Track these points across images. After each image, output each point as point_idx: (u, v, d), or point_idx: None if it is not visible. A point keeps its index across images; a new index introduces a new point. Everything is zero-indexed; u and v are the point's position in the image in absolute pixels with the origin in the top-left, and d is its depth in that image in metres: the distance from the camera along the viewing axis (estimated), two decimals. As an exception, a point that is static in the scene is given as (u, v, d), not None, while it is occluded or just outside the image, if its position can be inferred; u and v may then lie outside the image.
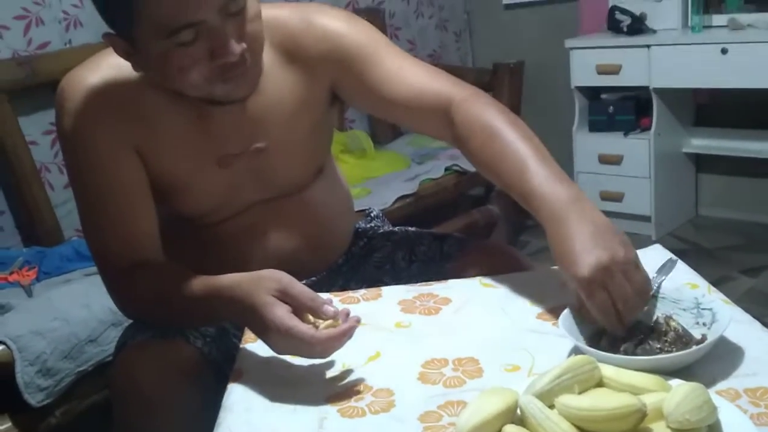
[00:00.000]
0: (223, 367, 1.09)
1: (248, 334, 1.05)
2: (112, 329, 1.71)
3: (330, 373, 0.94)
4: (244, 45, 1.01)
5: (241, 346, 1.04)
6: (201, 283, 1.03)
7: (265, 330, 0.93)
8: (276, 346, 0.94)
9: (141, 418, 1.05)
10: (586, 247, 0.91)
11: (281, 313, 0.91)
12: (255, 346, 1.03)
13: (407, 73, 1.17)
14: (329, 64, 1.18)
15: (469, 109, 1.12)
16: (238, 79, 1.04)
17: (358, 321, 0.92)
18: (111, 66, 1.10)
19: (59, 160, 2.45)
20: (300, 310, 0.93)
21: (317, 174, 1.28)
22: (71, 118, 1.09)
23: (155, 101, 1.11)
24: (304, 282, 1.01)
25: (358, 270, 1.37)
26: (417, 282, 1.22)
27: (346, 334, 0.91)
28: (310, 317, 0.93)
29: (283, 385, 0.92)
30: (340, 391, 0.90)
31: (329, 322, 0.92)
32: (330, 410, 0.86)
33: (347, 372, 0.94)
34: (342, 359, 0.97)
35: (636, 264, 0.92)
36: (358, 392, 0.89)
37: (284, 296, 0.93)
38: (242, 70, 1.03)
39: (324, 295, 0.95)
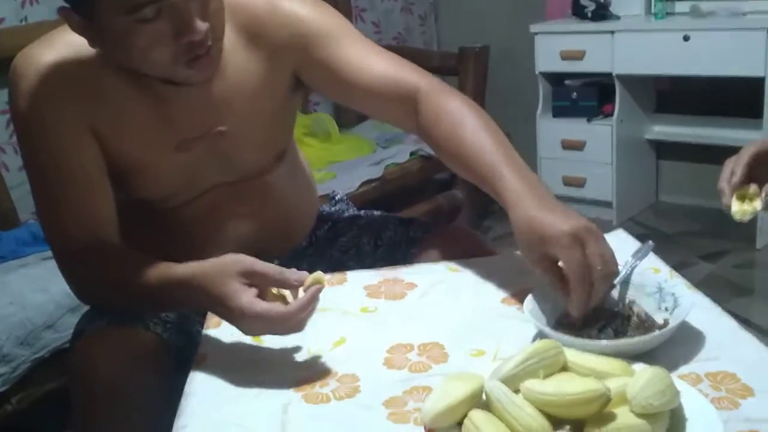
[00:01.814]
0: (185, 352, 1.08)
1: (211, 320, 1.04)
2: (69, 315, 1.68)
3: (294, 359, 0.93)
4: (207, 24, 0.99)
5: (203, 332, 1.03)
6: (162, 271, 1.01)
7: (236, 318, 0.92)
8: (250, 330, 0.93)
9: (100, 406, 1.04)
10: (560, 216, 0.93)
11: (248, 299, 0.90)
12: (218, 332, 1.01)
13: (373, 61, 1.16)
14: (293, 49, 1.16)
15: (435, 99, 1.13)
16: (201, 60, 1.01)
17: (321, 285, 0.91)
18: (67, 44, 1.07)
19: (14, 140, 2.38)
20: (267, 286, 0.92)
21: (279, 158, 1.27)
22: (25, 97, 1.06)
23: (113, 82, 1.08)
24: (276, 262, 1.01)
25: (323, 254, 1.36)
26: (382, 266, 1.22)
27: (312, 300, 0.90)
28: (274, 290, 0.92)
29: (246, 371, 0.91)
30: (304, 376, 0.89)
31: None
32: (294, 396, 0.85)
33: (312, 357, 0.93)
34: (307, 345, 0.96)
35: (605, 241, 0.93)
36: (323, 378, 0.88)
37: (250, 276, 0.92)
38: (206, 50, 1.01)
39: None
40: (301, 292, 0.91)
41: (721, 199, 0.96)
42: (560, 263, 0.92)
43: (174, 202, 1.18)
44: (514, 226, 0.97)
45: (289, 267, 1.21)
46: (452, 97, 1.14)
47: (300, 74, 1.20)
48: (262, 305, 0.90)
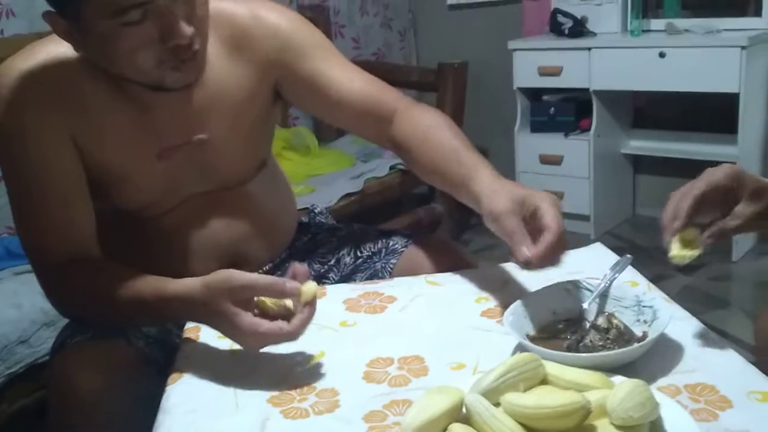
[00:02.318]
0: (166, 367, 1.06)
1: (187, 336, 1.03)
2: (44, 330, 1.65)
3: (273, 374, 0.92)
4: (193, 28, 0.99)
5: (180, 346, 1.01)
6: (149, 285, 1.01)
7: (236, 336, 0.94)
8: (249, 348, 0.94)
9: (78, 421, 1.02)
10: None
11: (249, 321, 0.91)
12: (194, 347, 1.00)
13: (354, 79, 1.20)
14: (277, 62, 1.17)
15: (410, 113, 1.19)
16: (188, 63, 1.01)
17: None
18: (48, 54, 1.06)
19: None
20: (260, 296, 0.93)
21: (259, 168, 1.26)
22: (4, 106, 1.04)
23: (94, 90, 1.07)
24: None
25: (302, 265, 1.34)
26: (362, 277, 1.21)
27: (313, 313, 0.92)
28: (269, 302, 0.93)
29: (224, 387, 0.90)
30: (283, 391, 0.88)
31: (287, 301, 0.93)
32: (273, 411, 0.84)
33: (291, 372, 0.92)
34: (286, 359, 0.95)
35: None
36: (302, 393, 0.88)
37: (240, 294, 0.92)
38: (192, 54, 1.01)
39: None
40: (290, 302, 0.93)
41: (663, 236, 0.94)
42: (539, 218, 0.97)
43: (154, 211, 1.17)
44: (487, 200, 1.04)
45: None
46: (426, 110, 1.21)
47: (281, 87, 1.21)
48: (264, 326, 0.91)
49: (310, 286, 0.92)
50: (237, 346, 0.97)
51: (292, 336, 0.92)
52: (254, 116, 1.20)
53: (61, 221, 1.08)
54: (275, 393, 0.88)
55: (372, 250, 1.32)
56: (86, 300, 1.07)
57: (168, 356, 1.10)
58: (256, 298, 0.93)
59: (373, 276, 1.26)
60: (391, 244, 1.31)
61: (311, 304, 0.92)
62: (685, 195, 0.94)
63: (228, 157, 1.19)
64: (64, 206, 1.08)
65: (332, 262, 1.33)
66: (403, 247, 1.30)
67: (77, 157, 1.09)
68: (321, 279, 1.30)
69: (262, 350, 0.94)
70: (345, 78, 1.19)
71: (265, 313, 0.93)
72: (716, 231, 0.91)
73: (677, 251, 0.91)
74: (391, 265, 1.27)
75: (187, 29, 0.98)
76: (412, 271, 1.22)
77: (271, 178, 1.31)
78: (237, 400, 0.87)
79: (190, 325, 1.06)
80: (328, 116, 1.26)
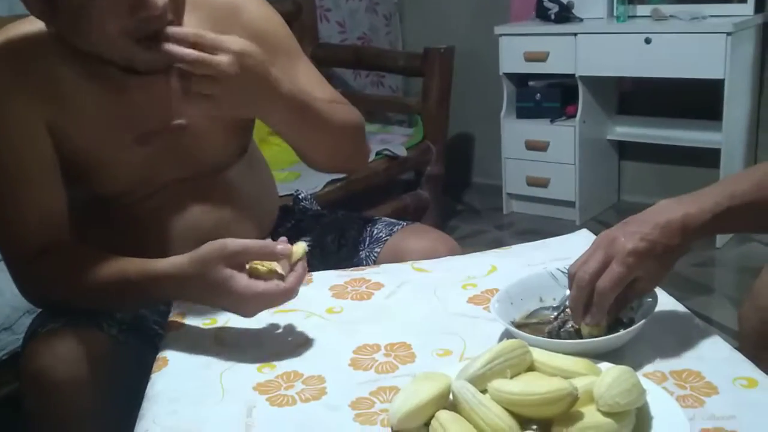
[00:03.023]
0: (142, 353, 1.05)
1: (172, 323, 1.02)
2: (27, 317, 1.63)
3: (259, 361, 0.92)
4: (166, 0, 0.97)
5: (164, 334, 1.01)
6: (134, 266, 1.01)
7: (235, 302, 0.94)
8: (252, 311, 0.95)
9: (54, 409, 1.01)
10: None
11: (245, 283, 0.92)
12: (179, 334, 0.99)
13: (320, 89, 1.22)
14: None
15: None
16: (159, 43, 0.98)
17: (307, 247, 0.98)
18: (21, 38, 1.04)
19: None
20: (252, 260, 0.95)
21: (239, 155, 1.25)
22: None
23: (69, 74, 1.06)
24: None
25: None
26: (347, 266, 1.21)
27: (305, 269, 0.96)
28: (259, 265, 0.94)
29: (209, 374, 0.90)
30: (269, 378, 0.88)
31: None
32: (259, 399, 0.84)
33: (277, 359, 0.92)
34: (272, 346, 0.94)
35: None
36: (288, 380, 0.87)
37: (234, 258, 0.94)
38: (163, 26, 0.98)
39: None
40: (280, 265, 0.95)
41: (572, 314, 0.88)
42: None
43: (131, 197, 1.16)
44: None
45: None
46: None
47: None
48: (260, 286, 0.92)
49: (299, 245, 0.97)
50: (223, 333, 0.97)
51: (289, 293, 0.94)
52: None
53: (33, 210, 1.07)
54: (261, 380, 0.87)
55: (356, 238, 1.31)
56: (67, 286, 1.05)
57: (144, 343, 1.09)
58: (247, 266, 0.94)
59: (357, 265, 1.25)
60: (375, 232, 1.31)
61: (305, 266, 0.96)
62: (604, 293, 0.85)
63: (208, 144, 1.18)
64: (38, 194, 1.07)
65: (316, 250, 1.32)
66: (387, 236, 1.29)
67: (50, 143, 1.07)
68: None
69: (243, 340, 0.93)
70: (312, 87, 1.19)
71: (258, 278, 0.94)
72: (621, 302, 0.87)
73: (587, 330, 0.88)
74: (375, 254, 1.27)
75: (159, 0, 0.96)
76: (396, 260, 1.21)
77: (250, 164, 1.30)
78: (223, 388, 0.86)
79: (174, 312, 1.05)
80: None
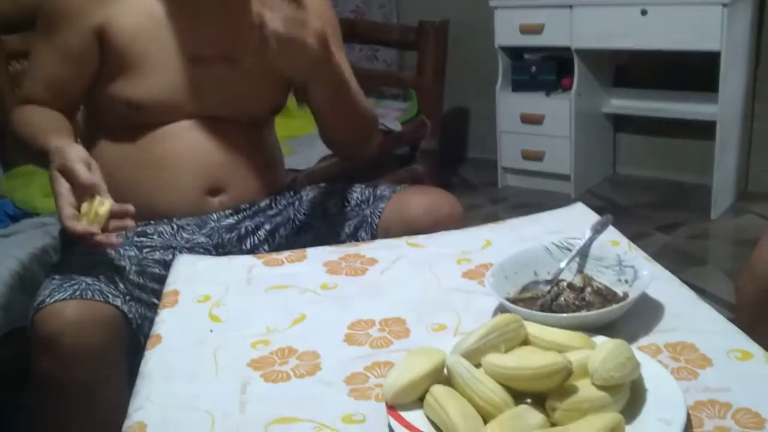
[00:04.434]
0: (147, 325, 1.07)
1: (166, 299, 1.02)
2: (20, 295, 1.62)
3: (253, 337, 0.91)
4: None
5: (159, 310, 1.00)
6: (45, 130, 1.17)
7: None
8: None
9: (66, 378, 1.03)
10: None
11: (58, 185, 1.06)
12: (173, 311, 0.99)
13: (351, 73, 1.30)
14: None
15: None
16: None
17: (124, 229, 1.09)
18: None
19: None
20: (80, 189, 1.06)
21: (271, 113, 1.35)
22: None
23: None
24: (228, 211, 1.28)
25: (287, 215, 1.35)
26: (350, 225, 1.22)
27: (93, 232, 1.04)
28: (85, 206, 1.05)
29: (203, 351, 0.89)
30: (263, 354, 0.87)
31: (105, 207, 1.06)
32: (253, 375, 0.83)
33: (271, 335, 0.92)
34: (266, 322, 0.94)
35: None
36: (283, 356, 0.87)
37: (66, 170, 1.05)
38: None
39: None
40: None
41: None
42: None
43: (153, 117, 1.24)
44: None
45: (250, 224, 1.31)
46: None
47: None
48: (62, 201, 1.05)
49: (105, 202, 1.06)
50: (217, 309, 0.97)
51: (68, 226, 1.03)
52: None
53: (47, 73, 1.26)
54: (255, 356, 0.87)
55: (359, 199, 1.32)
56: (18, 121, 1.24)
57: (148, 313, 1.12)
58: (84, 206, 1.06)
59: (363, 222, 1.27)
60: (378, 192, 1.33)
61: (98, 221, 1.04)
62: None
63: (253, 87, 1.27)
64: (56, 66, 1.25)
65: (317, 211, 1.32)
66: (391, 193, 1.30)
67: (96, 47, 1.22)
68: (306, 228, 1.32)
69: (239, 315, 0.92)
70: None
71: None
72: None
73: None
74: (380, 210, 1.28)
75: None
76: (401, 215, 1.25)
77: (271, 129, 1.39)
78: (217, 364, 0.86)
79: (167, 289, 1.05)
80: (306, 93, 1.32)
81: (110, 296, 1.08)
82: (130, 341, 1.09)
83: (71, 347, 1.02)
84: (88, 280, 1.09)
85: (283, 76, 1.30)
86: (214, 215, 1.28)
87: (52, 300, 1.06)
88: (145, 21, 1.22)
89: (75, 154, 1.07)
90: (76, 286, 1.07)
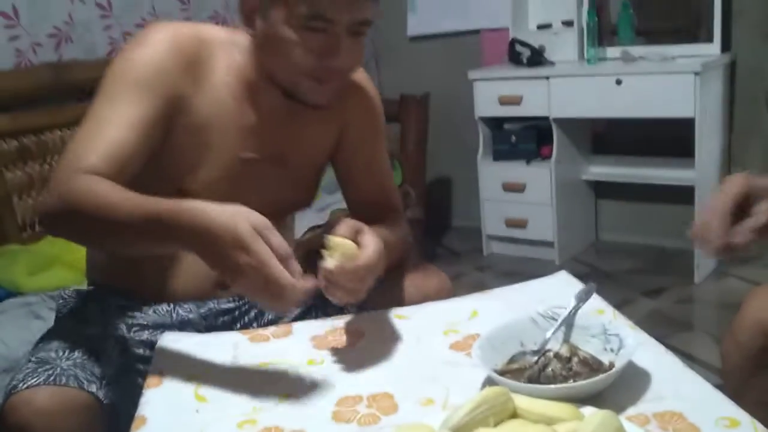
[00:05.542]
0: (123, 410, 1.04)
1: (151, 380, 1.00)
2: (4, 376, 1.60)
3: (240, 417, 0.90)
4: (349, 66, 1.13)
5: (143, 391, 0.99)
6: (162, 203, 0.95)
7: (239, 264, 0.88)
8: (243, 282, 0.89)
9: None
10: None
11: (265, 249, 0.87)
12: (158, 391, 0.98)
13: (389, 169, 1.37)
14: (358, 128, 1.30)
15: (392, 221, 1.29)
16: (332, 84, 1.13)
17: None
18: (197, 29, 1.18)
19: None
20: None
21: (304, 205, 1.37)
22: (140, 41, 1.14)
23: (223, 68, 1.17)
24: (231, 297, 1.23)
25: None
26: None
27: (315, 289, 0.94)
28: None
29: None
30: (250, 434, 0.86)
31: None
32: (240, 455, 0.82)
33: (258, 414, 0.91)
34: (253, 401, 0.93)
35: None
36: (270, 435, 0.86)
37: (261, 233, 0.89)
38: (335, 83, 1.13)
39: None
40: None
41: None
42: None
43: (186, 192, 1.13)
44: None
45: (246, 306, 1.28)
46: (400, 224, 1.32)
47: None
48: (276, 261, 0.87)
49: (346, 246, 1.00)
50: (203, 388, 0.96)
51: (289, 292, 0.87)
52: (320, 164, 1.33)
53: (110, 140, 1.08)
54: (242, 436, 0.86)
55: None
56: (96, 205, 1.00)
57: (126, 398, 1.07)
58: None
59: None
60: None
61: (317, 285, 0.94)
62: (716, 213, 0.98)
63: (297, 185, 1.29)
64: (123, 132, 1.08)
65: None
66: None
67: (164, 121, 1.12)
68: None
69: (224, 394, 0.91)
70: (387, 172, 1.36)
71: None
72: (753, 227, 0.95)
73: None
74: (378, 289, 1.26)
75: (345, 59, 1.11)
76: (405, 299, 1.24)
77: (291, 221, 1.42)
78: (203, 446, 0.85)
79: (152, 368, 1.03)
80: (345, 189, 1.37)
81: (85, 382, 1.05)
82: (110, 426, 1.06)
83: None
84: (64, 364, 1.06)
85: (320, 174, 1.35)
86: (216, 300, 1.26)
87: (25, 386, 1.04)
88: (219, 108, 1.17)
89: (256, 217, 0.91)
90: (50, 371, 1.04)
